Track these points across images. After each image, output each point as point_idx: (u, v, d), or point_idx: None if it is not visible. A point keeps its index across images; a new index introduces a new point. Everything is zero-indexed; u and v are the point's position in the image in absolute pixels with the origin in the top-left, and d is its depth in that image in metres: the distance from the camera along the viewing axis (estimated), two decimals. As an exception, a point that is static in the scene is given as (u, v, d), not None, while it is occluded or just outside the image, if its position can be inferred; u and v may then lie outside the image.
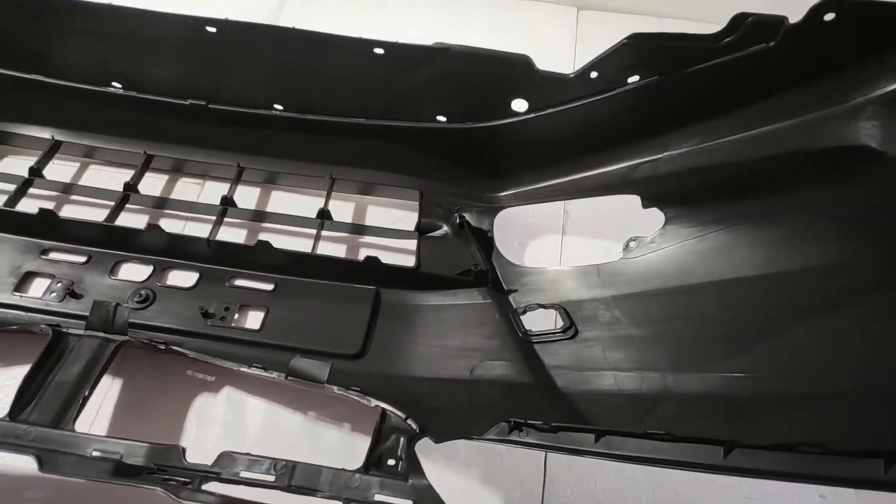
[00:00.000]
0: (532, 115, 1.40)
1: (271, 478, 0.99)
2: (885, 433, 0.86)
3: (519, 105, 1.40)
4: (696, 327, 1.19)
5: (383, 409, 1.10)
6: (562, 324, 1.31)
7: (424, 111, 1.46)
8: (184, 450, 1.02)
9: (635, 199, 1.42)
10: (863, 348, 1.02)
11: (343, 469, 0.99)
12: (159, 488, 0.87)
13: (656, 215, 1.41)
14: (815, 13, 1.13)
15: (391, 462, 1.03)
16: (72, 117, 1.57)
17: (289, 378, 1.19)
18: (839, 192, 1.19)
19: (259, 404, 1.31)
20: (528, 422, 1.03)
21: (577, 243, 1.55)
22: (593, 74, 1.30)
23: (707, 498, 1.24)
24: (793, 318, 1.11)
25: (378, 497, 0.96)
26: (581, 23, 1.99)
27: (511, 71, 1.33)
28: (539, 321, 1.36)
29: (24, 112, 1.57)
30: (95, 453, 1.02)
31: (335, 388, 1.16)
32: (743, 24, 1.18)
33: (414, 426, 1.07)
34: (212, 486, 0.97)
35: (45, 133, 1.57)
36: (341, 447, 1.24)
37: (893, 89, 1.15)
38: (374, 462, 1.02)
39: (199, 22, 1.37)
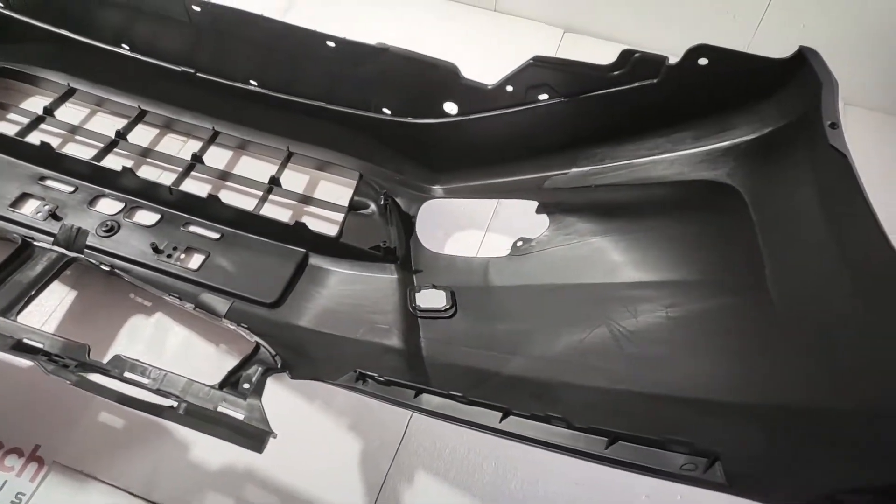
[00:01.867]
0: (461, 118, 1.56)
1: (146, 381, 1.19)
2: (616, 419, 0.98)
3: (450, 108, 1.56)
4: (537, 319, 1.34)
5: (258, 344, 1.29)
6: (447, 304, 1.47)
7: (372, 103, 1.64)
8: (89, 348, 1.24)
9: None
10: (639, 357, 1.15)
11: (203, 384, 1.19)
12: (35, 362, 1.09)
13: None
14: (689, 56, 1.25)
15: (246, 386, 1.22)
16: (86, 69, 1.84)
17: (196, 309, 1.39)
18: (693, 221, 1.30)
19: (181, 332, 1.53)
20: (369, 374, 1.21)
21: (497, 239, 1.69)
22: (508, 88, 1.45)
23: (542, 479, 1.37)
24: (603, 321, 1.24)
25: (220, 409, 1.15)
26: (564, 44, 2.12)
27: (440, 75, 1.49)
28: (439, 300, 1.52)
29: (49, 60, 1.85)
30: (26, 340, 1.25)
31: (229, 323, 1.36)
32: (630, 60, 1.31)
33: (277, 362, 1.26)
34: (97, 378, 1.18)
35: (62, 80, 1.84)
36: (236, 377, 1.44)
37: (750, 139, 1.26)
38: (231, 382, 1.22)
39: (188, 1, 1.60)
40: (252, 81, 1.72)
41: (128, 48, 1.78)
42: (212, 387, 1.18)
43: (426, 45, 1.50)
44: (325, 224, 1.67)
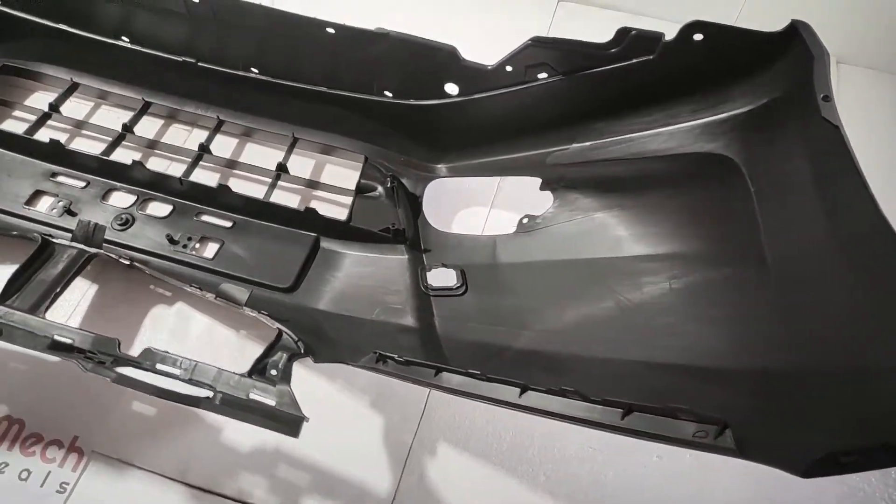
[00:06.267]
0: (462, 98, 1.59)
1: (178, 371, 1.25)
2: (622, 388, 1.04)
3: (451, 88, 1.59)
4: (544, 294, 1.40)
5: (280, 330, 1.34)
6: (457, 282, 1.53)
7: (374, 86, 1.67)
8: (119, 342, 1.29)
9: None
10: (644, 328, 1.21)
11: (233, 372, 1.24)
12: (74, 361, 1.14)
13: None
14: (685, 32, 1.28)
15: (273, 372, 1.28)
16: (88, 63, 1.85)
17: (217, 298, 1.44)
18: (693, 193, 1.35)
19: (203, 319, 1.59)
20: (388, 355, 1.26)
21: (502, 216, 1.73)
22: (508, 68, 1.48)
23: (558, 444, 1.44)
24: (609, 294, 1.30)
25: (252, 395, 1.20)
26: (558, 14, 2.13)
27: (440, 58, 1.52)
28: (449, 278, 1.58)
29: (51, 55, 1.87)
30: (57, 337, 1.30)
31: (249, 310, 1.41)
32: (627, 37, 1.34)
33: (301, 348, 1.32)
34: (130, 372, 1.24)
35: (65, 74, 1.86)
36: (259, 362, 1.50)
37: (747, 110, 1.30)
38: (259, 370, 1.27)
39: (185, -7, 1.61)
40: (253, 69, 1.74)
41: (128, 41, 1.80)
42: (241, 375, 1.24)
43: (417, 21, 1.52)
44: (333, 208, 1.71)
